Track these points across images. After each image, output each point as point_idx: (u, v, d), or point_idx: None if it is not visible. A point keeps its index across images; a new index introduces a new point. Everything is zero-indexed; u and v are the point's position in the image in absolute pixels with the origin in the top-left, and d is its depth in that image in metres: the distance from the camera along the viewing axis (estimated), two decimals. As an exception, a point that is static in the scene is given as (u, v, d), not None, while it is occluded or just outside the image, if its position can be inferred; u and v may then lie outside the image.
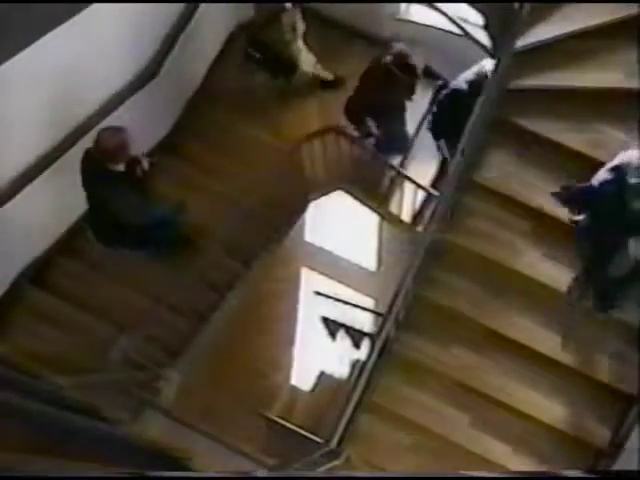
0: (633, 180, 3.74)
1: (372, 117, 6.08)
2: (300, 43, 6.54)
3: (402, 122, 6.42)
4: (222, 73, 7.12)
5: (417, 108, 6.88)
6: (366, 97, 5.90)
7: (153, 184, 5.35)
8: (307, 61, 6.71)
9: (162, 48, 5.98)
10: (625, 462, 4.35)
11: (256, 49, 6.49)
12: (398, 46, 5.70)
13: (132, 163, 4.98)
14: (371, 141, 6.38)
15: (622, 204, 3.73)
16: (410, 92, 5.95)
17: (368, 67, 5.92)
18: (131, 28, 5.42)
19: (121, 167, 4.91)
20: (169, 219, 5.80)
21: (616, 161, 4.03)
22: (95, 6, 4.04)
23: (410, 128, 6.75)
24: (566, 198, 4.20)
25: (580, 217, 4.32)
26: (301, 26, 6.42)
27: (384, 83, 5.68)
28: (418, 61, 5.68)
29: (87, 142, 5.46)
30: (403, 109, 6.25)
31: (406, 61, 5.62)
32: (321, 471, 4.71)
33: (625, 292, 4.20)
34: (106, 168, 4.86)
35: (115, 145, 4.79)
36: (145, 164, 5.05)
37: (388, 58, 5.64)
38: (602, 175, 4.06)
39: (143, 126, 6.33)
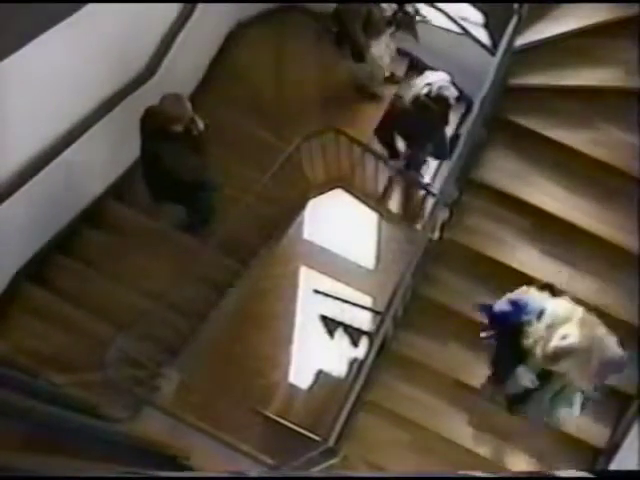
0: (525, 318, 3.80)
1: (404, 140, 6.20)
2: (383, 43, 6.39)
3: (435, 145, 6.38)
4: (222, 72, 7.11)
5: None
6: (399, 124, 5.93)
7: (207, 145, 5.58)
8: (375, 61, 6.53)
9: (161, 46, 5.97)
10: (623, 461, 4.36)
11: (334, 23, 6.38)
12: (435, 77, 5.67)
13: (189, 124, 5.29)
14: (400, 162, 6.50)
15: (515, 336, 3.79)
16: (444, 121, 5.97)
17: (398, 97, 5.94)
18: (130, 25, 5.41)
19: (180, 128, 5.23)
20: (213, 185, 6.00)
21: (514, 295, 4.06)
22: (94, 4, 4.03)
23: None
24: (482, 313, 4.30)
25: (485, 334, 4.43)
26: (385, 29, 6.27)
27: (416, 114, 5.68)
28: (452, 92, 5.65)
29: (86, 141, 5.48)
30: (436, 135, 6.22)
31: (440, 93, 5.58)
32: (319, 469, 4.71)
33: (525, 404, 4.25)
34: (166, 129, 5.20)
35: (176, 110, 5.18)
36: (200, 125, 5.35)
37: (424, 91, 5.59)
38: (501, 305, 4.10)
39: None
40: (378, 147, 6.54)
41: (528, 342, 3.58)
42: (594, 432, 4.76)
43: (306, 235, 8.55)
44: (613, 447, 4.63)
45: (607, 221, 4.74)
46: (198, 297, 6.06)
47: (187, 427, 5.15)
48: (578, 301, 4.71)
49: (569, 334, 3.34)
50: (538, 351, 3.44)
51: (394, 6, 6.06)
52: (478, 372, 4.92)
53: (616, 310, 4.71)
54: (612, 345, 3.58)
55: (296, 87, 7.02)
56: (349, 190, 6.70)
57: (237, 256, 6.30)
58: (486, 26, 5.73)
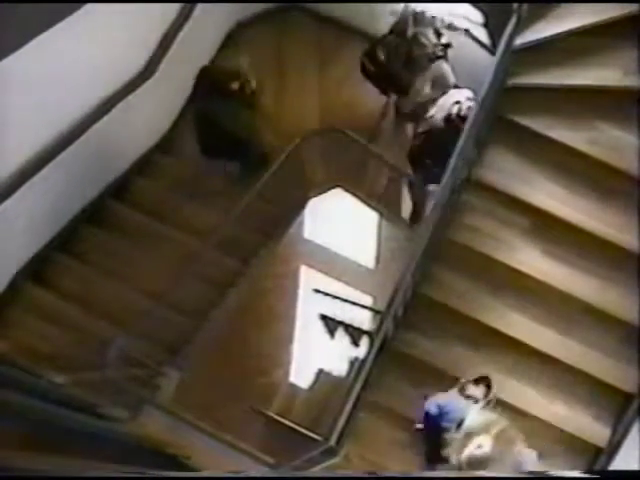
0: (446, 425, 3.88)
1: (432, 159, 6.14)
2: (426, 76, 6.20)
3: None
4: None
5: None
6: (432, 145, 5.93)
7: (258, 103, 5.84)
8: (419, 92, 6.27)
9: (161, 46, 5.97)
10: (623, 460, 4.36)
11: (372, 63, 6.38)
12: (462, 95, 5.60)
13: (244, 82, 5.60)
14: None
15: (437, 439, 3.86)
16: None
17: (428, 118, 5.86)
18: (129, 26, 5.41)
19: (235, 85, 5.54)
20: (263, 141, 6.20)
21: (442, 399, 4.22)
22: (93, 4, 4.04)
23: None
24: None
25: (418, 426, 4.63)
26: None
27: (449, 133, 5.64)
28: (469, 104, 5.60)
29: (85, 140, 5.48)
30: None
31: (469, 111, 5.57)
32: (319, 469, 4.72)
33: None
34: (223, 86, 5.51)
35: (234, 67, 5.57)
36: (253, 83, 5.64)
37: (454, 110, 5.54)
38: (430, 406, 4.27)
39: (141, 125, 6.35)
40: (379, 147, 6.53)
41: (444, 450, 3.62)
42: (594, 431, 4.76)
43: (306, 234, 8.54)
44: (614, 446, 4.63)
45: (607, 221, 4.74)
46: (198, 296, 6.07)
47: (187, 426, 5.16)
48: (579, 301, 4.77)
49: (484, 445, 3.36)
50: (454, 458, 3.48)
51: (433, 40, 6.06)
52: (478, 372, 4.93)
53: (616, 310, 4.72)
54: (529, 461, 3.63)
55: (296, 87, 7.02)
56: (349, 189, 6.70)
57: (237, 255, 6.31)
58: (486, 25, 5.72)
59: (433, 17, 5.98)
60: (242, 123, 5.69)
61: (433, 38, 6.02)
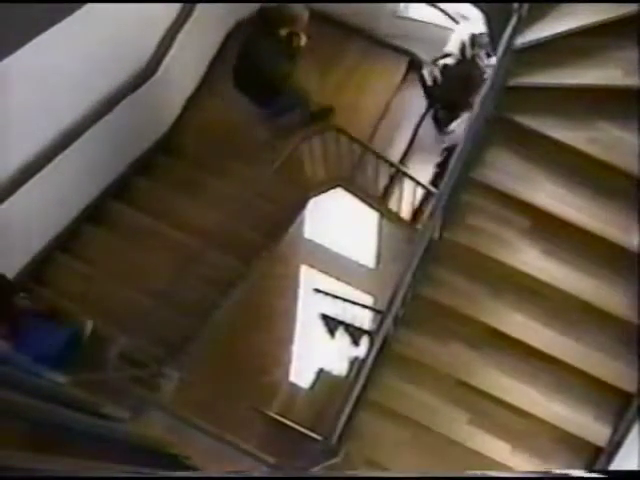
0: None
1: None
2: None
3: None
4: (221, 71, 7.11)
5: (415, 109, 6.92)
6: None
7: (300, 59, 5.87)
8: None
9: (161, 46, 5.98)
10: (624, 460, 4.36)
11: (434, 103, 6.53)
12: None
13: (294, 34, 5.61)
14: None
15: None
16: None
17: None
18: (130, 25, 5.41)
19: (284, 32, 5.56)
20: (298, 95, 6.20)
21: None
22: (93, 4, 4.03)
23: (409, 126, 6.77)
24: None
25: None
26: None
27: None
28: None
29: (85, 140, 5.48)
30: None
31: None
32: (320, 468, 4.72)
33: None
34: (273, 28, 5.52)
35: (291, 12, 5.51)
36: (303, 40, 5.67)
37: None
38: None
39: (142, 125, 6.35)
40: (378, 146, 6.53)
41: None
42: (595, 431, 4.77)
43: (307, 234, 8.56)
44: (614, 446, 4.63)
45: (607, 220, 4.73)
46: (199, 296, 6.07)
47: (188, 426, 5.16)
48: (579, 300, 4.77)
49: None
50: None
51: (485, 61, 6.15)
52: (479, 371, 4.94)
53: (616, 309, 4.72)
54: None
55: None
56: (350, 189, 6.70)
57: (238, 255, 6.31)
58: (486, 25, 5.72)
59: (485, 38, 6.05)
60: (277, 70, 5.68)
61: (485, 59, 6.15)
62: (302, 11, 5.54)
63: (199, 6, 6.17)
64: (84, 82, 5.27)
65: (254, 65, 5.72)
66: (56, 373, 5.11)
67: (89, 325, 5.72)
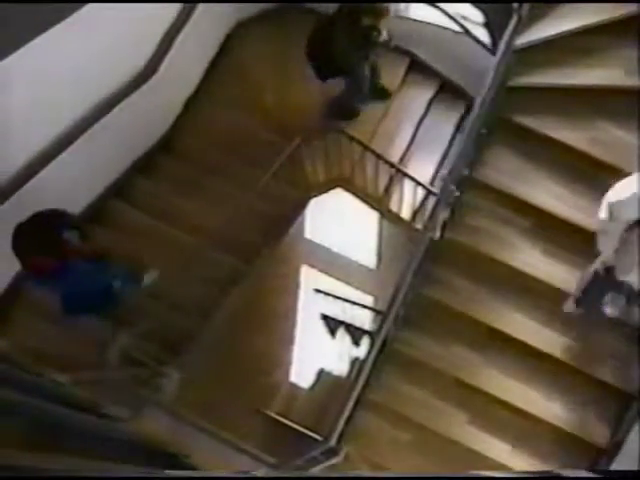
0: None
1: None
2: None
3: None
4: (222, 71, 7.12)
5: (414, 109, 6.91)
6: None
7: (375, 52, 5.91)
8: None
9: (161, 46, 5.97)
10: (624, 460, 4.36)
11: None
12: None
13: (375, 28, 5.55)
14: None
15: None
16: None
17: None
18: (130, 26, 5.41)
19: (367, 22, 5.49)
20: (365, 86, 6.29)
21: None
22: (94, 4, 4.03)
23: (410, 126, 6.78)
24: None
25: None
26: None
27: None
28: None
29: (86, 140, 5.48)
30: None
31: None
32: (320, 468, 4.72)
33: None
34: (355, 16, 5.45)
35: (379, 7, 5.45)
36: (383, 37, 5.66)
37: None
38: None
39: (142, 124, 6.35)
40: (378, 147, 6.53)
41: None
42: (595, 431, 4.76)
43: (307, 234, 8.56)
44: (615, 446, 4.63)
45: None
46: (200, 296, 6.07)
47: (189, 426, 5.16)
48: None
49: None
50: None
51: None
52: (479, 371, 4.94)
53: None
54: None
55: (297, 86, 7.01)
56: (350, 189, 6.70)
57: (238, 255, 6.30)
58: (486, 25, 5.72)
59: None
60: (344, 54, 5.68)
61: None
62: (388, 9, 5.51)
63: (199, 6, 6.17)
64: (84, 82, 5.26)
65: (325, 41, 5.72)
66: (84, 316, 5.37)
67: (153, 275, 5.83)
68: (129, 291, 5.56)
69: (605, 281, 4.06)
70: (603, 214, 3.72)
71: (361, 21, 5.46)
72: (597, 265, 4.16)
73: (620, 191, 3.63)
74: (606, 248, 4.00)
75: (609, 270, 4.01)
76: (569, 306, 4.64)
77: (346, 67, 5.93)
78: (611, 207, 3.61)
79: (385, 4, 5.45)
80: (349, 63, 5.88)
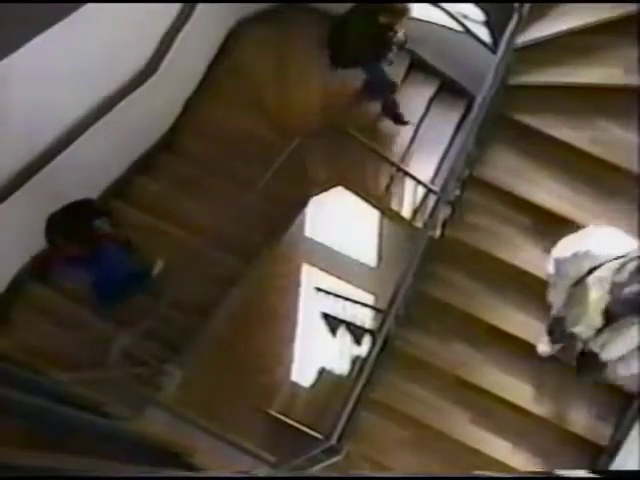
0: None
1: None
2: None
3: None
4: (223, 70, 7.12)
5: (415, 106, 6.91)
6: None
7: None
8: None
9: (161, 45, 5.98)
10: (624, 460, 4.36)
11: None
12: None
13: (389, 26, 5.58)
14: None
15: None
16: None
17: None
18: (131, 25, 5.41)
19: (384, 20, 5.49)
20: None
21: None
22: (93, 4, 4.03)
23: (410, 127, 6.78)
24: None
25: None
26: None
27: None
28: None
29: (86, 140, 5.48)
30: None
31: None
32: (321, 467, 4.72)
33: None
34: (373, 12, 5.48)
35: (400, 8, 5.46)
36: (399, 37, 5.67)
37: None
38: None
39: (143, 123, 6.35)
40: (379, 145, 6.54)
41: None
42: (596, 430, 4.76)
43: (308, 233, 8.56)
44: (615, 445, 4.63)
45: (609, 219, 4.73)
46: (200, 295, 6.07)
47: (189, 424, 5.17)
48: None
49: None
50: None
51: None
52: (480, 369, 4.94)
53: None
54: None
55: (297, 85, 7.02)
56: (351, 188, 6.70)
57: (239, 254, 6.31)
58: (487, 24, 5.72)
59: None
60: (357, 48, 5.71)
61: None
62: (407, 10, 5.50)
63: (199, 5, 6.17)
64: (84, 81, 5.26)
65: (342, 32, 5.73)
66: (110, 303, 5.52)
67: (159, 264, 5.87)
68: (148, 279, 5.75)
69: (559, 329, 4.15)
70: (550, 269, 3.80)
71: (378, 19, 5.45)
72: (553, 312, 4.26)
73: (565, 248, 3.72)
74: (555, 301, 4.10)
75: (560, 320, 4.11)
76: (543, 348, 4.66)
77: (358, 62, 6.00)
78: (557, 263, 3.70)
79: (404, 4, 5.44)
80: (361, 59, 5.94)
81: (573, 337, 3.87)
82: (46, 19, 3.45)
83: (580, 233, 3.69)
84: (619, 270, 3.33)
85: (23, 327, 5.84)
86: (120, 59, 5.63)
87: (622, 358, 3.70)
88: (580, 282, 3.55)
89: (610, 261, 3.41)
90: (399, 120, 6.76)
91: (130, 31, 5.48)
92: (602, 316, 3.39)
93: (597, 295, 3.39)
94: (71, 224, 4.89)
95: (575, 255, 3.57)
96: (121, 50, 5.53)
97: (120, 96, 5.70)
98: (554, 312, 4.18)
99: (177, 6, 6.04)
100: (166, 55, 6.00)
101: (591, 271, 3.46)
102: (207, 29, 6.75)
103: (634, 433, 4.44)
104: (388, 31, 5.54)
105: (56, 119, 5.31)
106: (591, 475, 3.17)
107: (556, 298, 4.05)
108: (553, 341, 4.43)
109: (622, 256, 3.39)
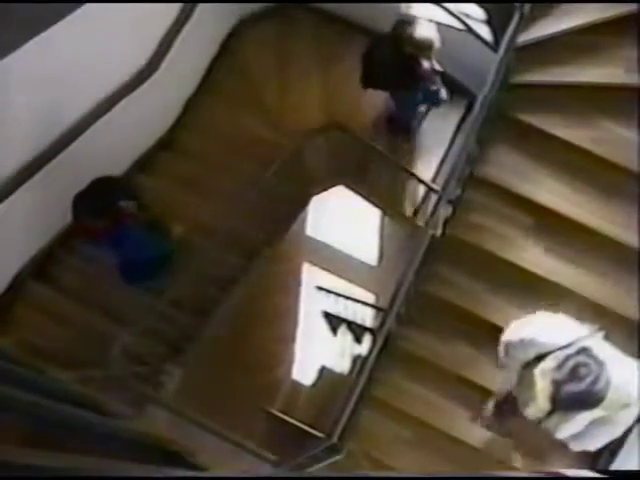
0: None
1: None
2: None
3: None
4: (224, 69, 7.12)
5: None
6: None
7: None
8: None
9: (162, 44, 5.97)
10: (625, 459, 4.36)
11: None
12: None
13: (414, 56, 5.49)
14: None
15: None
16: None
17: None
18: (131, 23, 5.41)
19: (409, 50, 5.38)
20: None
21: None
22: (93, 4, 4.04)
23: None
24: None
25: None
26: None
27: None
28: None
29: (87, 138, 5.48)
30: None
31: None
32: (322, 466, 4.73)
33: None
34: (399, 43, 5.40)
35: (423, 42, 5.36)
36: (424, 66, 5.56)
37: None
38: None
39: (144, 122, 6.36)
40: (380, 144, 6.54)
41: None
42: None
43: (309, 232, 8.56)
44: (616, 444, 4.62)
45: (610, 218, 4.74)
46: (201, 294, 6.07)
47: (190, 423, 5.17)
48: (581, 298, 4.77)
49: None
50: None
51: None
52: (481, 368, 4.94)
53: (619, 307, 4.72)
54: None
55: (299, 84, 7.02)
56: (352, 187, 6.70)
57: (240, 252, 6.31)
58: (488, 23, 5.72)
59: None
60: (385, 75, 5.74)
61: None
62: (431, 42, 5.45)
63: (200, 5, 6.17)
64: (84, 81, 5.26)
65: (373, 54, 5.77)
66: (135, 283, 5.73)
67: (178, 229, 5.92)
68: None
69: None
70: (501, 351, 3.84)
71: (404, 49, 5.46)
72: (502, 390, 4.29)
73: (513, 332, 3.75)
74: (506, 382, 4.12)
75: (510, 398, 4.14)
76: (487, 413, 4.68)
77: (384, 87, 6.09)
78: (506, 346, 3.74)
79: (428, 38, 5.43)
80: (387, 85, 6.01)
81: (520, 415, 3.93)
82: (46, 19, 3.45)
83: (528, 318, 3.75)
84: (560, 367, 3.39)
85: (25, 326, 5.85)
86: (120, 58, 5.62)
87: (576, 435, 3.75)
88: (528, 367, 3.61)
89: (554, 351, 3.46)
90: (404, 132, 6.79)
91: (130, 30, 5.48)
92: (550, 403, 3.44)
93: (543, 385, 3.44)
94: (96, 201, 4.91)
95: (522, 341, 3.63)
96: (121, 49, 5.53)
97: (120, 95, 5.69)
98: (506, 388, 4.21)
99: (177, 5, 6.04)
100: (167, 54, 5.99)
101: (538, 358, 3.52)
102: (208, 28, 6.75)
103: (634, 433, 4.44)
104: (413, 62, 5.55)
105: (56, 119, 5.31)
106: (592, 474, 3.16)
107: (507, 379, 4.09)
108: (498, 417, 4.47)
109: (566, 346, 3.44)
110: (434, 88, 5.91)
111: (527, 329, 3.64)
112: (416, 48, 5.42)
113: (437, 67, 5.78)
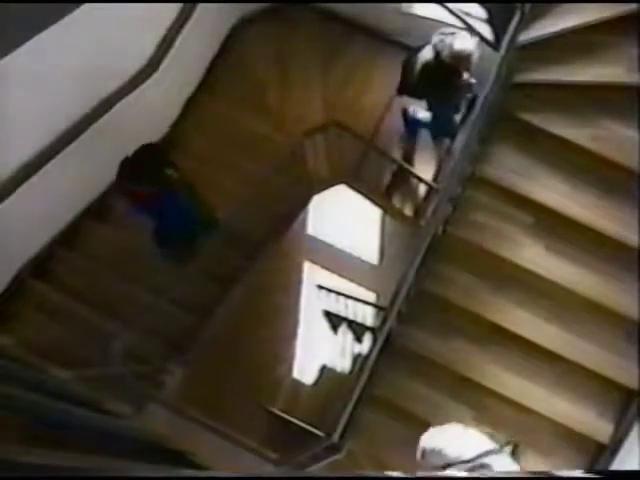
0: None
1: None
2: None
3: None
4: (225, 68, 7.12)
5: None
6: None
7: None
8: None
9: (163, 44, 5.97)
10: (625, 458, 4.37)
11: None
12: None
13: (454, 67, 5.42)
14: None
15: None
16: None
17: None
18: (132, 22, 5.41)
19: (447, 61, 5.32)
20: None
21: None
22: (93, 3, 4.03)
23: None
24: None
25: None
26: None
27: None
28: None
29: (88, 137, 5.49)
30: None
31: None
32: (323, 465, 4.73)
33: None
34: (454, 71, 5.40)
35: (459, 49, 5.27)
36: (464, 77, 5.55)
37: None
38: None
39: (145, 121, 6.35)
40: (381, 143, 6.54)
41: None
42: (597, 428, 4.77)
43: (310, 231, 8.56)
44: (616, 443, 4.63)
45: (610, 217, 4.74)
46: (202, 292, 6.08)
47: (191, 422, 5.17)
48: (582, 297, 4.77)
49: None
50: None
51: None
52: (482, 367, 4.94)
53: (619, 306, 4.72)
54: None
55: (300, 83, 7.02)
56: (353, 186, 6.69)
57: (241, 251, 6.31)
58: (490, 22, 5.71)
59: None
60: (422, 82, 5.70)
61: None
62: (470, 53, 5.38)
63: (200, 5, 6.17)
64: (85, 80, 5.26)
65: (412, 64, 5.76)
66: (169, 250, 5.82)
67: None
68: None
69: None
70: (418, 455, 3.92)
71: (444, 60, 5.43)
72: None
73: (429, 439, 3.81)
74: None
75: None
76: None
77: (422, 96, 6.07)
78: (423, 451, 3.82)
79: (468, 49, 5.42)
80: (424, 95, 5.99)
81: None
82: (46, 19, 3.45)
83: (439, 429, 3.82)
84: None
85: (25, 324, 5.85)
86: (121, 57, 5.62)
87: None
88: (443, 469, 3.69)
89: (459, 464, 3.53)
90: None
91: (131, 29, 5.48)
92: None
93: None
94: (144, 167, 5.01)
95: (433, 450, 3.70)
96: (122, 48, 5.53)
97: (121, 94, 5.70)
98: None
99: (177, 6, 6.04)
100: (168, 53, 5.99)
101: (444, 467, 3.59)
102: (208, 27, 6.75)
103: (634, 433, 4.45)
104: (452, 74, 5.55)
105: (56, 118, 5.31)
106: (591, 475, 3.16)
107: None
108: None
109: (470, 460, 3.51)
110: (469, 97, 5.96)
111: (439, 439, 3.73)
112: (456, 60, 5.42)
113: (472, 80, 5.77)
